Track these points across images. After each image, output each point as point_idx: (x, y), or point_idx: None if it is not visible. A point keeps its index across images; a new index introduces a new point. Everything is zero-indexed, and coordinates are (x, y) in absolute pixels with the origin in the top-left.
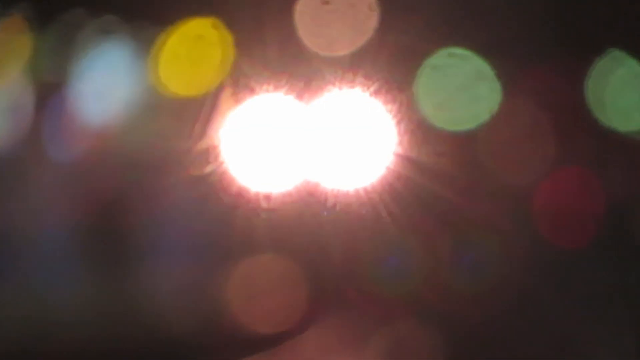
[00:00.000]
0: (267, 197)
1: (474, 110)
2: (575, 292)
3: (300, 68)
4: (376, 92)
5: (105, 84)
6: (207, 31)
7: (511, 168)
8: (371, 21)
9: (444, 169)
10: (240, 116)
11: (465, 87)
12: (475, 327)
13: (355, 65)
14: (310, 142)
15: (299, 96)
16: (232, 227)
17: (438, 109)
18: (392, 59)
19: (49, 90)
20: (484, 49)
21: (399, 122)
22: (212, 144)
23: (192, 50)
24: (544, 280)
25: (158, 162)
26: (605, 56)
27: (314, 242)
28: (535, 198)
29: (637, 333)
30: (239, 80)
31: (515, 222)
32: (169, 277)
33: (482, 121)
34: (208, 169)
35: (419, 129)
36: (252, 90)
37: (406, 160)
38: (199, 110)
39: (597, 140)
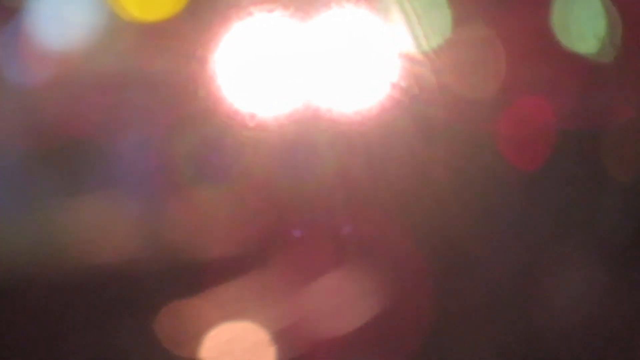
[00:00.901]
0: (263, 120)
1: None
2: (533, 211)
3: None
4: (377, 11)
5: (68, 6)
6: None
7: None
8: None
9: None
10: (234, 35)
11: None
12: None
13: None
14: (310, 63)
15: (298, 15)
16: (225, 151)
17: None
18: None
19: (8, 14)
20: None
21: (399, 44)
22: (202, 64)
23: None
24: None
25: (135, 84)
26: None
27: (313, 166)
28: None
29: (593, 254)
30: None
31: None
32: (147, 202)
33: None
34: (196, 90)
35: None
36: (246, 9)
37: (408, 80)
38: (184, 30)
39: (559, 63)
